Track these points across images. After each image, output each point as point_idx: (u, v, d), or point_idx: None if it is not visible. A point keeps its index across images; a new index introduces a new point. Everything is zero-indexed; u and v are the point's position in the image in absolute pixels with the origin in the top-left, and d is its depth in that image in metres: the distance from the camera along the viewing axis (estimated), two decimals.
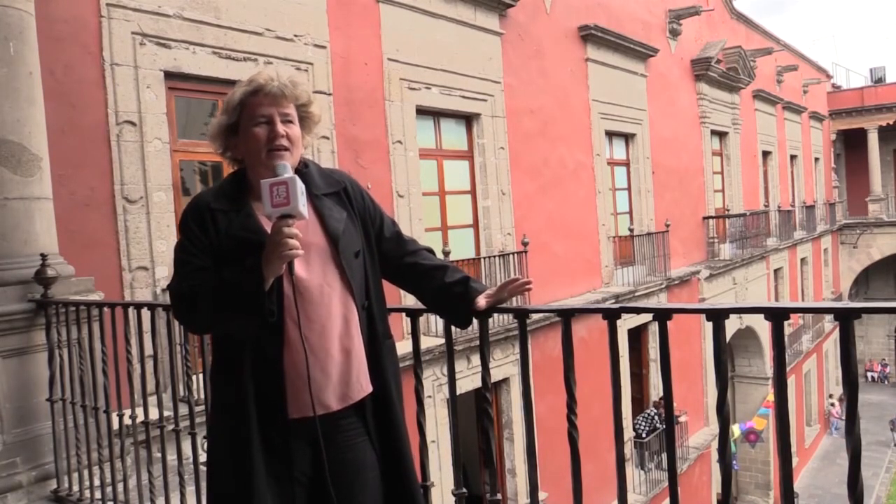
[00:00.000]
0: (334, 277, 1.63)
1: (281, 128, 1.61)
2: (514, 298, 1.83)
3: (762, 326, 15.92)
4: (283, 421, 1.59)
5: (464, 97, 8.53)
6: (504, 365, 8.59)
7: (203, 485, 2.55)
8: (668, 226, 12.54)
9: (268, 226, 1.54)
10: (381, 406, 1.70)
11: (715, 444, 12.74)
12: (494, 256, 8.45)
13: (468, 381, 7.48)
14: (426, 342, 6.94)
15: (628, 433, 11.23)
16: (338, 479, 1.61)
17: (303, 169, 1.71)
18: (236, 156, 1.69)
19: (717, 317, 1.50)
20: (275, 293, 1.53)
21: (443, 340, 2.46)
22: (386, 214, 1.86)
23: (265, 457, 1.57)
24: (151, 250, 5.30)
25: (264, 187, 1.49)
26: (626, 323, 10.85)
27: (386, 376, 1.70)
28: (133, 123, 5.23)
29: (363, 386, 1.66)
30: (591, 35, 10.95)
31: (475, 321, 1.82)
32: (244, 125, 1.63)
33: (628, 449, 11.08)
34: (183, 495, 2.71)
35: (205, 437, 2.57)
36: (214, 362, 1.66)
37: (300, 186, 1.50)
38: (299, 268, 1.57)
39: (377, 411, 1.70)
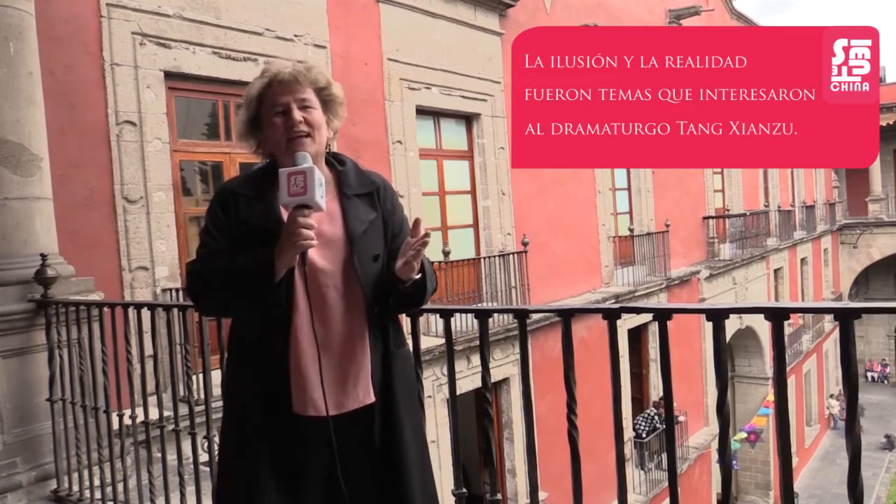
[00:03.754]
0: (346, 279, 1.60)
1: (298, 114, 1.58)
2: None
3: (762, 326, 15.91)
4: (287, 416, 1.57)
5: (464, 97, 8.52)
6: (504, 365, 8.59)
7: (203, 484, 2.56)
8: (668, 226, 12.53)
9: (287, 216, 1.51)
10: (386, 416, 1.65)
11: (715, 444, 12.73)
12: (494, 256, 8.44)
13: (468, 381, 7.48)
14: (426, 342, 6.94)
15: (628, 433, 11.22)
16: (353, 478, 1.59)
17: (339, 167, 1.68)
18: (265, 150, 1.67)
19: (717, 317, 1.49)
20: (284, 285, 1.52)
21: (443, 340, 2.45)
22: (406, 225, 1.76)
23: (269, 447, 1.56)
24: (151, 250, 5.30)
25: (282, 176, 1.47)
26: (626, 323, 10.84)
27: (393, 386, 1.65)
28: (133, 123, 5.23)
29: (360, 395, 1.62)
30: None
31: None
32: (265, 117, 1.62)
33: (628, 449, 11.08)
34: (183, 495, 2.71)
35: (204, 437, 2.57)
36: (228, 353, 1.67)
37: (318, 177, 1.47)
38: (314, 262, 1.55)
39: (382, 420, 1.65)
